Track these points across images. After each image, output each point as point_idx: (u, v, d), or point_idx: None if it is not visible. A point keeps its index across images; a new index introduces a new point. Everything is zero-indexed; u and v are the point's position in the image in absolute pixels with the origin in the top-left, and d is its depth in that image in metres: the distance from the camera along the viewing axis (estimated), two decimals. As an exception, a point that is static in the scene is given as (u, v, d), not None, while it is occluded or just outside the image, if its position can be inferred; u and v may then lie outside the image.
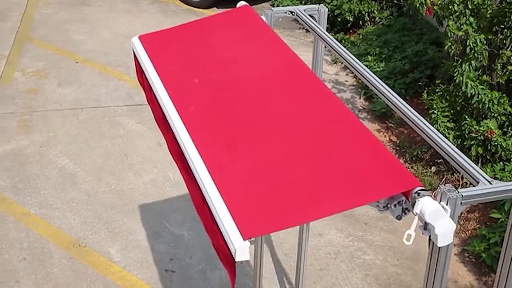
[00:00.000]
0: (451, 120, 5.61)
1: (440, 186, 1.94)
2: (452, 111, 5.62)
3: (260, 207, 2.00)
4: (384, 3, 8.50)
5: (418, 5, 5.63)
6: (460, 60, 5.36)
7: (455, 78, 5.38)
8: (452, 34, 5.35)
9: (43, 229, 5.08)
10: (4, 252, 4.83)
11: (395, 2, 8.31)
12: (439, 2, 5.48)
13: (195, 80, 2.67)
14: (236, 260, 1.83)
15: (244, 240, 1.84)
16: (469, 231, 5.16)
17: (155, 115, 2.71)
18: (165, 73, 2.72)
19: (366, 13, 8.39)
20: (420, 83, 6.80)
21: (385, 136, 6.50)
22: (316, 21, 3.15)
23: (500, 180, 2.30)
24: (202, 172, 2.13)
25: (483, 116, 5.42)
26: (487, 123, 5.30)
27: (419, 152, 6.00)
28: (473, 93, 5.29)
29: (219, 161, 2.19)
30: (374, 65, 7.33)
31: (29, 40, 8.27)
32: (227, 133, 2.36)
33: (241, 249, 1.83)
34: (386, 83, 2.63)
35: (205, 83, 2.66)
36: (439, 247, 1.93)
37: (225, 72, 2.75)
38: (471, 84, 5.28)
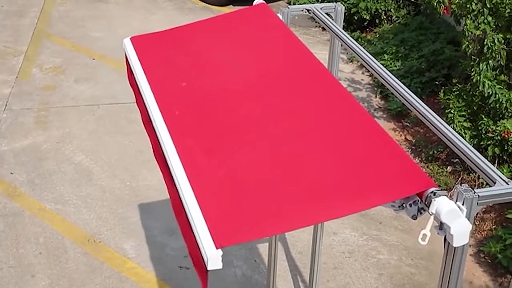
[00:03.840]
0: (467, 120, 5.57)
1: (456, 186, 1.93)
2: (468, 111, 5.58)
3: (237, 215, 1.95)
4: (401, 1, 8.47)
5: (435, 3, 5.59)
6: (478, 59, 5.33)
7: (472, 78, 5.34)
8: (470, 33, 5.31)
9: (58, 224, 5.12)
10: (20, 247, 4.87)
11: (412, 0, 8.27)
12: (456, 1, 5.44)
13: (182, 84, 2.61)
14: (208, 269, 1.80)
15: (217, 248, 1.80)
16: (485, 232, 5.12)
17: (142, 117, 2.67)
18: (154, 75, 2.67)
19: (383, 12, 8.37)
20: (437, 82, 6.76)
21: (400, 135, 6.47)
22: (332, 19, 3.14)
23: (517, 181, 2.28)
24: (181, 177, 2.10)
25: (500, 116, 5.37)
26: (504, 123, 5.26)
27: (435, 152, 5.97)
28: (490, 92, 5.25)
29: (199, 166, 2.15)
30: (391, 64, 7.30)
31: (47, 37, 8.33)
32: (211, 138, 2.31)
33: (213, 258, 1.79)
34: (402, 82, 2.61)
35: (196, 87, 2.61)
36: (455, 247, 1.92)
37: (222, 75, 2.70)
38: (488, 84, 5.24)
